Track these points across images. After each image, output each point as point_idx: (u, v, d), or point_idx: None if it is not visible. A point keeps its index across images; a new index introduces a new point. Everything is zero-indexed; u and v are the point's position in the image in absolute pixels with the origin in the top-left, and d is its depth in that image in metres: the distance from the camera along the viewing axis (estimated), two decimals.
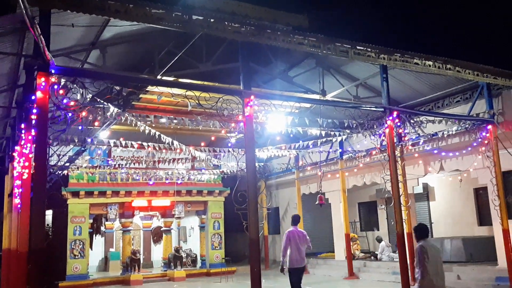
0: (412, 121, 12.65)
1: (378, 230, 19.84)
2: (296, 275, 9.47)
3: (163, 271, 18.55)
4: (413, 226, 6.07)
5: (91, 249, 18.51)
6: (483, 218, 15.25)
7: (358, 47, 9.68)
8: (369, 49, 9.84)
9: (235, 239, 21.69)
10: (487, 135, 12.09)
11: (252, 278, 8.29)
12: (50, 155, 9.15)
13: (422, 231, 6.69)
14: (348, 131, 13.99)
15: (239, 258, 20.07)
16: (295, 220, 10.03)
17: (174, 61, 10.30)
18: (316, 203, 16.62)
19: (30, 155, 9.45)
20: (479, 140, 12.29)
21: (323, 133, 13.14)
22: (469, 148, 12.74)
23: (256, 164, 13.62)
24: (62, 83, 7.61)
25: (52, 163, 11.83)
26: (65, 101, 7.69)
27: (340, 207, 17.26)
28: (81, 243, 16.94)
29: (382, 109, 10.64)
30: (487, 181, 12.14)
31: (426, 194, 17.66)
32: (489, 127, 12.06)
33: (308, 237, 10.00)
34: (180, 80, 10.06)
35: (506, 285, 11.23)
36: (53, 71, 7.22)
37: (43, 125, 7.10)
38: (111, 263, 19.27)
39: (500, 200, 11.70)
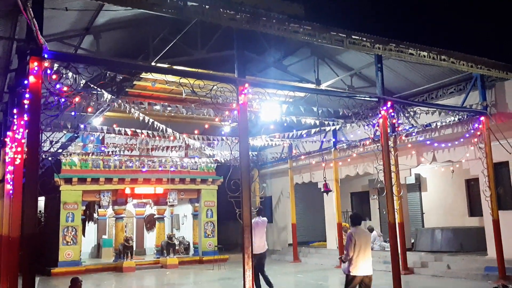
0: (406, 111, 12.69)
1: (370, 220, 19.98)
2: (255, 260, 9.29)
3: (156, 258, 18.61)
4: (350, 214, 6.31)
5: (84, 236, 18.49)
6: (474, 208, 15.42)
7: (353, 37, 9.66)
8: (364, 39, 9.82)
9: (228, 227, 21.77)
10: (480, 126, 12.16)
11: (244, 266, 8.33)
12: (42, 141, 9.12)
13: (356, 219, 7.74)
14: (342, 120, 14.02)
15: (232, 246, 20.18)
16: (259, 211, 10.84)
17: (169, 48, 10.24)
18: (322, 190, 16.67)
19: (23, 141, 9.39)
20: (472, 131, 12.36)
21: (317, 122, 13.16)
22: (462, 139, 12.82)
23: (250, 153, 13.64)
24: (55, 68, 7.55)
25: (44, 149, 11.82)
26: (58, 86, 7.64)
27: (332, 196, 17.35)
28: (74, 229, 16.92)
29: (376, 99, 10.64)
30: (479, 172, 12.23)
31: (418, 185, 17.80)
32: (482, 118, 12.13)
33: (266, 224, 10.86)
34: (175, 67, 10.01)
35: (495, 274, 11.38)
36: (46, 56, 7.15)
37: (35, 110, 7.05)
38: (103, 250, 19.29)
39: (491, 191, 11.80)
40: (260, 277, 9.79)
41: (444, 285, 11.31)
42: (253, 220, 9.60)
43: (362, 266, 7.23)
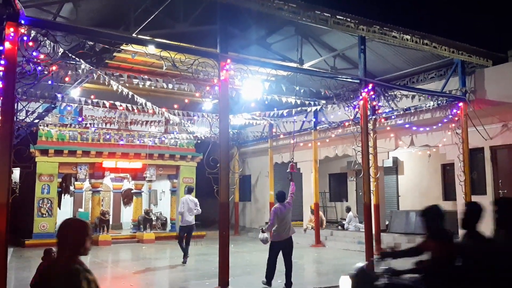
0: (386, 94, 12.76)
1: (346, 201, 20.26)
2: (183, 231, 12.47)
3: (132, 233, 18.58)
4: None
5: (60, 209, 18.31)
6: (448, 193, 15.73)
7: (338, 16, 9.63)
8: (348, 19, 9.80)
9: (206, 204, 21.69)
10: (458, 112, 12.33)
11: (220, 242, 8.39)
12: (18, 110, 8.91)
13: (280, 196, 9.31)
14: (323, 101, 14.04)
15: (209, 223, 20.22)
16: (189, 190, 13.11)
17: (150, 20, 10.05)
18: (287, 170, 16.76)
19: None
20: (450, 116, 12.52)
21: (298, 102, 13.15)
22: (440, 124, 12.99)
23: (230, 131, 13.61)
24: (32, 36, 7.35)
25: (20, 118, 11.56)
26: (34, 54, 7.44)
27: (311, 177, 17.47)
28: (49, 202, 16.74)
29: (358, 81, 10.68)
30: (455, 157, 12.45)
31: (395, 168, 18.04)
32: (460, 104, 12.29)
33: (197, 204, 12.69)
34: (156, 39, 9.83)
35: None
36: (22, 22, 6.96)
37: (11, 77, 6.88)
38: None
39: (465, 176, 12.04)
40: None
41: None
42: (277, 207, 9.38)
43: (282, 233, 8.99)
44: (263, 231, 9.42)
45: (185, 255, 12.32)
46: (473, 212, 4.08)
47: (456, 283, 3.90)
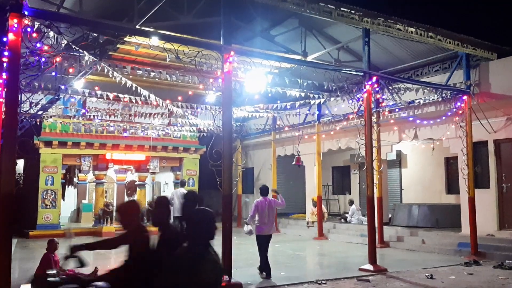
0: (390, 87, 12.71)
1: (349, 194, 20.27)
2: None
3: None
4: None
5: (63, 200, 18.39)
6: (452, 186, 15.72)
7: (342, 9, 9.59)
8: (353, 11, 9.76)
9: (209, 196, 21.82)
10: (462, 105, 12.28)
11: (223, 234, 8.41)
12: (22, 101, 8.93)
13: (262, 190, 9.90)
14: (327, 94, 13.99)
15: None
16: (182, 183, 14.11)
17: (154, 11, 9.98)
18: (293, 163, 16.82)
19: (1, 100, 9.20)
20: (454, 110, 12.48)
21: (302, 95, 13.13)
22: (444, 117, 12.95)
23: (233, 123, 13.61)
24: (36, 27, 7.35)
25: (24, 109, 11.58)
26: (38, 45, 7.45)
27: (314, 170, 17.47)
28: (53, 193, 16.81)
29: (362, 74, 10.65)
30: (458, 150, 12.41)
31: (398, 161, 18.03)
32: (465, 97, 12.23)
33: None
34: (159, 31, 9.81)
35: (468, 250, 11.69)
36: (26, 13, 6.95)
37: (15, 68, 6.89)
38: (83, 214, 19.24)
39: (469, 170, 12.02)
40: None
41: (417, 258, 11.60)
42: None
43: (265, 228, 9.47)
44: (247, 224, 9.90)
45: None
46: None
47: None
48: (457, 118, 12.42)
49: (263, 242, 9.50)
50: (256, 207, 9.61)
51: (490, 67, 12.47)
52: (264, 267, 9.44)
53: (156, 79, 11.78)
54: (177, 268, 3.23)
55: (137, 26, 9.64)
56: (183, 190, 13.09)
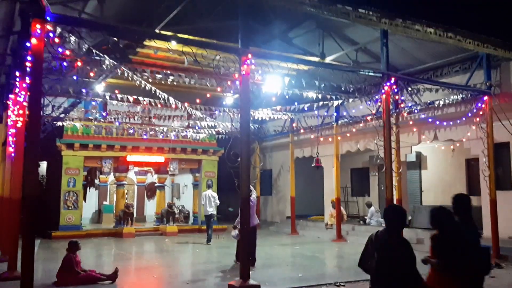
0: (409, 88, 12.63)
1: (368, 196, 20.13)
2: (206, 218, 15.39)
3: (156, 226, 18.86)
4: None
5: (85, 201, 18.71)
6: (473, 188, 15.47)
7: (360, 10, 9.56)
8: (371, 13, 9.71)
9: (228, 198, 21.97)
10: (483, 106, 12.11)
11: (241, 236, 8.48)
12: (44, 105, 9.14)
13: (252, 191, 10.13)
14: (345, 95, 13.96)
15: (231, 216, 20.36)
16: (209, 186, 15.97)
17: (173, 16, 10.14)
18: (313, 165, 16.80)
19: (25, 104, 9.43)
20: (474, 110, 12.32)
21: (320, 96, 13.12)
22: (464, 119, 12.79)
23: (251, 125, 13.67)
24: (58, 32, 7.52)
25: (46, 113, 11.85)
26: (60, 50, 7.62)
27: (332, 172, 17.42)
28: (75, 194, 17.10)
29: (380, 75, 10.59)
30: (479, 152, 12.25)
31: (418, 163, 17.84)
32: (485, 98, 12.07)
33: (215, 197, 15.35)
34: (178, 35, 9.94)
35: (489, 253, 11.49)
36: (48, 19, 7.12)
37: (38, 73, 7.07)
38: (104, 215, 19.54)
39: (490, 171, 11.85)
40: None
41: None
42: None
43: (253, 220, 10.51)
44: (234, 228, 11.15)
45: (208, 239, 15.19)
46: None
47: None
48: (477, 119, 12.26)
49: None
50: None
51: None
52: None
53: (175, 82, 11.91)
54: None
55: (157, 30, 9.80)
56: (211, 192, 15.49)
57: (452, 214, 4.92)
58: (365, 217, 17.48)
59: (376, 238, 4.31)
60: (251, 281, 8.22)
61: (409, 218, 15.60)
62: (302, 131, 18.68)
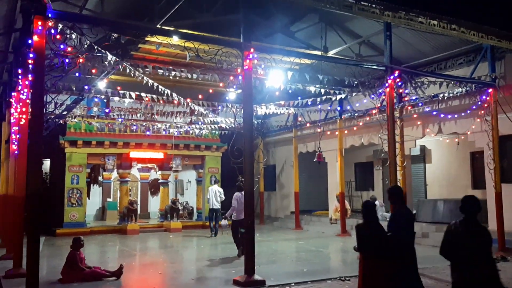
0: (413, 81, 12.54)
1: (373, 190, 20.08)
2: (211, 212, 15.99)
3: (160, 222, 18.87)
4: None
5: (89, 198, 18.72)
6: (478, 181, 15.40)
7: (362, 3, 9.46)
8: (373, 5, 9.62)
9: (232, 194, 21.94)
10: (487, 98, 12.03)
11: (246, 231, 8.46)
12: (47, 102, 9.11)
13: (239, 187, 11.51)
14: (348, 89, 13.90)
15: None
16: (215, 181, 17.33)
17: (174, 10, 10.05)
18: (314, 160, 16.76)
19: (27, 101, 9.41)
20: (479, 103, 12.24)
21: (323, 91, 13.05)
22: (468, 111, 12.70)
23: (254, 121, 13.63)
24: (59, 29, 7.48)
25: (49, 110, 11.83)
26: (62, 46, 7.59)
27: (336, 166, 17.37)
28: (79, 192, 17.11)
29: (384, 68, 10.52)
30: (484, 144, 12.17)
31: (422, 156, 17.76)
32: (490, 90, 11.98)
33: (221, 192, 15.83)
34: (180, 30, 9.88)
35: (495, 246, 11.45)
36: (50, 15, 7.09)
37: (40, 69, 7.04)
38: (108, 212, 19.55)
39: (495, 164, 11.78)
40: None
41: None
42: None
43: (240, 215, 11.17)
44: (225, 218, 12.85)
45: (213, 232, 15.83)
46: None
47: None
48: (482, 112, 12.18)
49: (237, 226, 11.72)
50: (236, 200, 11.83)
51: None
52: (238, 245, 11.71)
53: (177, 78, 11.87)
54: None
55: (158, 26, 9.73)
56: (217, 187, 16.17)
57: (374, 207, 5.76)
58: None
59: (456, 228, 4.63)
60: (256, 276, 8.20)
61: (414, 212, 15.56)
62: (308, 125, 18.59)
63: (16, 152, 11.08)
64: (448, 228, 4.75)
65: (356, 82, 11.86)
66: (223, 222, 12.47)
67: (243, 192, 10.91)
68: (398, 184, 11.18)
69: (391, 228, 5.55)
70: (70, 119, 15.87)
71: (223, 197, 15.61)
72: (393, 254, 5.36)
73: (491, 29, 11.20)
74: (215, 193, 15.68)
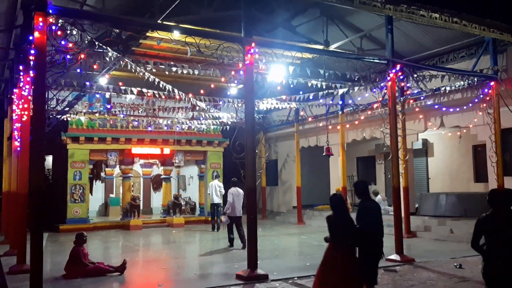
0: (415, 75, 12.51)
1: (375, 184, 20.05)
2: (212, 208, 16.17)
3: (162, 218, 18.91)
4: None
5: (91, 194, 18.77)
6: (480, 175, 15.40)
7: None
8: None
9: None
10: (489, 91, 12.01)
11: (248, 225, 8.47)
12: (49, 98, 9.10)
13: (235, 182, 12.20)
14: (349, 83, 13.86)
15: None
16: (217, 176, 17.14)
17: (175, 6, 10.03)
18: (324, 154, 16.76)
19: (29, 97, 9.41)
20: (481, 96, 12.21)
21: (324, 85, 13.02)
22: (470, 105, 12.68)
23: (256, 116, 13.62)
24: (60, 25, 7.47)
25: (51, 107, 11.83)
26: (63, 43, 7.58)
27: (338, 160, 17.37)
28: (81, 188, 17.15)
29: (385, 62, 10.50)
30: (486, 138, 12.16)
31: (425, 150, 17.75)
32: (492, 83, 11.96)
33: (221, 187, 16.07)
34: (181, 25, 9.86)
35: None
36: (50, 11, 7.09)
37: (41, 66, 7.04)
38: (111, 208, 19.61)
39: (497, 157, 11.77)
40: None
41: (445, 248, 11.44)
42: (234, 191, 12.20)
43: (236, 211, 11.98)
44: (223, 214, 12.68)
45: (217, 226, 16.02)
46: None
47: None
48: (484, 105, 12.15)
49: (233, 222, 12.17)
50: (232, 195, 12.11)
51: None
52: (231, 240, 12.32)
53: (179, 73, 11.85)
54: None
55: (159, 21, 9.71)
56: (217, 182, 16.40)
57: (342, 201, 6.04)
58: None
59: (487, 221, 4.82)
60: (259, 271, 8.23)
61: (416, 206, 15.56)
62: (310, 119, 18.56)
63: (18, 148, 11.10)
64: (480, 220, 4.88)
65: (357, 76, 11.82)
66: (224, 218, 12.45)
67: (238, 188, 12.04)
68: (401, 178, 11.16)
69: (357, 219, 5.97)
70: (72, 115, 15.87)
71: (223, 191, 15.65)
72: (357, 243, 5.77)
73: (493, 22, 11.16)
74: (215, 188, 15.87)
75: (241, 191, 12.25)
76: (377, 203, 6.44)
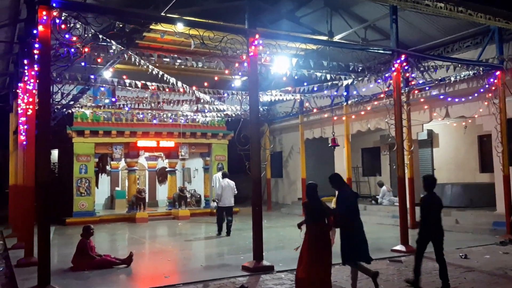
0: (420, 65, 12.44)
1: (380, 175, 20.04)
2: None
3: (168, 210, 18.98)
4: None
5: (97, 188, 18.84)
6: (485, 165, 15.35)
7: None
8: None
9: (239, 181, 21.98)
10: (495, 81, 11.92)
11: (253, 217, 8.50)
12: (54, 92, 9.12)
13: (225, 175, 13.28)
14: (354, 74, 13.81)
15: (242, 199, 20.43)
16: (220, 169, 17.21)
17: None
18: (329, 145, 16.75)
19: (34, 91, 9.44)
20: (487, 86, 12.13)
21: (329, 76, 12.98)
22: (476, 94, 12.60)
23: (260, 108, 13.61)
24: (63, 18, 7.47)
25: (56, 101, 11.86)
26: (67, 36, 7.58)
27: (343, 152, 17.34)
28: (87, 181, 17.23)
29: (390, 52, 10.44)
30: (492, 128, 12.09)
31: (430, 141, 17.69)
32: (498, 73, 11.86)
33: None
34: (184, 17, 9.84)
35: (503, 229, 11.45)
36: (54, 5, 7.08)
37: (46, 59, 7.06)
38: (117, 201, 19.67)
39: (503, 147, 11.71)
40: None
41: (451, 238, 11.36)
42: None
43: (225, 201, 12.89)
44: (214, 201, 13.73)
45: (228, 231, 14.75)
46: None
47: None
48: (490, 95, 12.07)
49: (223, 211, 13.03)
50: (221, 187, 13.00)
51: None
52: (220, 228, 13.07)
53: (182, 66, 11.85)
54: None
55: (163, 14, 9.70)
56: (220, 174, 15.49)
57: (315, 189, 6.71)
58: (377, 197, 17.43)
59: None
60: (265, 262, 8.26)
61: (422, 196, 15.52)
62: (315, 110, 18.51)
63: (24, 142, 11.15)
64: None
65: (362, 67, 11.77)
66: (213, 204, 13.30)
67: (228, 180, 13.01)
68: (406, 169, 11.14)
69: (337, 205, 7.02)
70: (77, 109, 15.91)
71: (236, 191, 15.48)
72: (337, 224, 6.90)
73: (499, 11, 11.05)
74: (232, 188, 14.07)
75: (232, 182, 13.09)
76: (353, 190, 7.63)
